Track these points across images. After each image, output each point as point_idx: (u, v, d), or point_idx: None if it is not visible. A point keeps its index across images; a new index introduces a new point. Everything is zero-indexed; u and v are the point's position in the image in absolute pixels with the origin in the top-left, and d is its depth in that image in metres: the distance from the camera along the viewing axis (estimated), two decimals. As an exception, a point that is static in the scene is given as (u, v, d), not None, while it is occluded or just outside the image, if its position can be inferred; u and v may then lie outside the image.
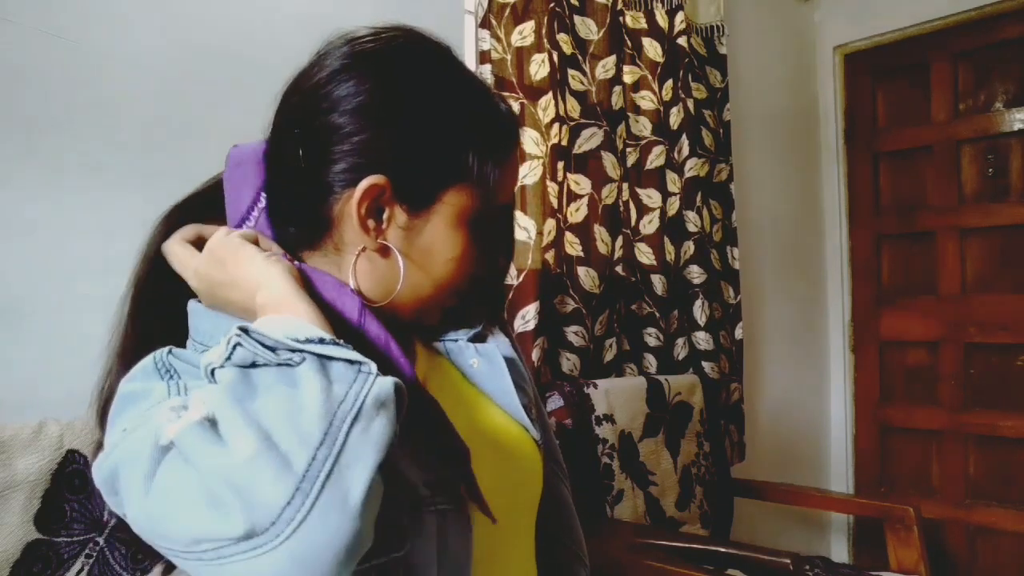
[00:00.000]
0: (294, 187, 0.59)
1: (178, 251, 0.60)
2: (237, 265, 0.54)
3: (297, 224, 0.60)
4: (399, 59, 0.59)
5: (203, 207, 0.64)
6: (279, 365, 0.43)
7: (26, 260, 0.96)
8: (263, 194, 0.60)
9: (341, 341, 0.45)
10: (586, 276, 1.65)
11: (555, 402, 1.50)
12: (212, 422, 0.41)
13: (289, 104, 0.60)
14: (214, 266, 0.56)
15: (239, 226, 0.60)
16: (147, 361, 0.53)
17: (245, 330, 0.44)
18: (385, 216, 0.57)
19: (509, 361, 0.71)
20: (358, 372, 0.44)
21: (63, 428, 0.85)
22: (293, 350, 0.44)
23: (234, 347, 0.44)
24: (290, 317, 0.48)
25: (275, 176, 0.60)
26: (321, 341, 0.44)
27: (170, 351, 0.54)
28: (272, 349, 0.44)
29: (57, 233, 0.98)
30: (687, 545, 1.34)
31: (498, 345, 0.71)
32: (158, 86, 1.08)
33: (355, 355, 0.44)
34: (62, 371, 0.97)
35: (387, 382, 0.44)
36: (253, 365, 0.44)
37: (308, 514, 0.38)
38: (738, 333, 2.07)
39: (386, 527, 0.48)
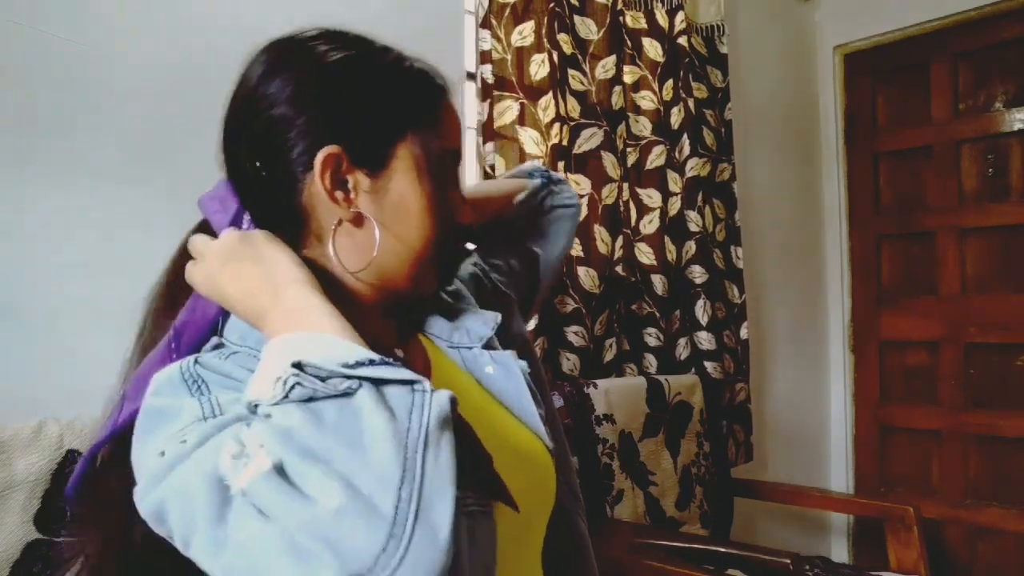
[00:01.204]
0: (262, 193, 0.60)
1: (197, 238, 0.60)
2: (267, 253, 0.55)
3: (279, 227, 0.60)
4: (316, 45, 0.61)
5: None
6: (336, 396, 0.42)
7: (26, 260, 0.96)
8: (244, 214, 0.62)
9: (390, 360, 0.45)
10: (586, 276, 1.65)
11: (555, 402, 1.50)
12: (281, 470, 0.40)
13: (231, 121, 0.62)
14: (241, 241, 0.57)
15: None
16: (173, 372, 0.52)
17: (299, 366, 0.43)
18: (350, 185, 0.59)
19: (526, 370, 0.70)
20: (413, 392, 0.43)
21: (63, 428, 0.85)
22: (347, 377, 0.43)
23: (292, 387, 0.42)
24: (328, 336, 0.47)
25: (243, 193, 0.61)
26: (371, 363, 0.44)
27: (196, 360, 0.53)
28: (325, 380, 0.43)
29: (57, 233, 0.98)
30: (687, 545, 1.34)
31: (512, 353, 0.70)
32: (158, 86, 1.08)
33: (407, 373, 0.44)
34: (62, 371, 0.97)
35: (444, 398, 0.43)
36: (310, 400, 0.42)
37: (403, 558, 0.38)
38: (743, 333, 2.06)
39: None
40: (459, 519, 0.40)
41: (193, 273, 0.59)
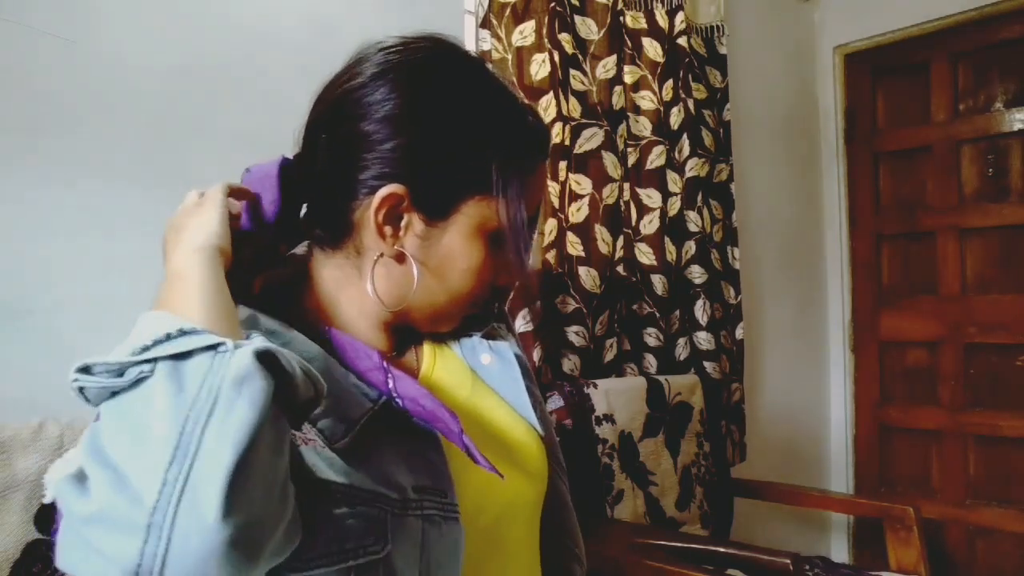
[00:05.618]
0: (320, 190, 0.60)
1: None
2: (201, 213, 0.53)
3: (321, 225, 0.61)
4: (429, 70, 0.60)
5: None
6: (134, 385, 0.39)
7: (26, 260, 0.96)
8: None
9: (196, 327, 0.41)
10: (587, 276, 1.65)
11: (555, 402, 1.50)
12: (81, 473, 0.38)
13: (321, 109, 0.61)
14: (197, 198, 0.56)
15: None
16: None
17: (85, 369, 0.40)
18: (403, 224, 0.58)
19: (518, 359, 0.72)
20: (214, 356, 0.39)
21: (63, 428, 0.85)
22: (142, 361, 0.39)
23: (81, 391, 0.40)
24: (162, 315, 0.43)
25: (304, 177, 0.61)
26: (168, 337, 0.40)
27: None
28: (120, 373, 0.39)
29: (57, 233, 0.98)
30: (687, 545, 1.34)
31: (509, 344, 0.72)
32: (159, 86, 1.08)
33: (209, 338, 0.40)
34: (62, 371, 0.96)
35: (245, 355, 0.39)
36: (114, 395, 0.40)
37: (168, 547, 0.34)
38: (739, 333, 2.07)
39: (366, 525, 0.47)
40: (243, 482, 0.36)
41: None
